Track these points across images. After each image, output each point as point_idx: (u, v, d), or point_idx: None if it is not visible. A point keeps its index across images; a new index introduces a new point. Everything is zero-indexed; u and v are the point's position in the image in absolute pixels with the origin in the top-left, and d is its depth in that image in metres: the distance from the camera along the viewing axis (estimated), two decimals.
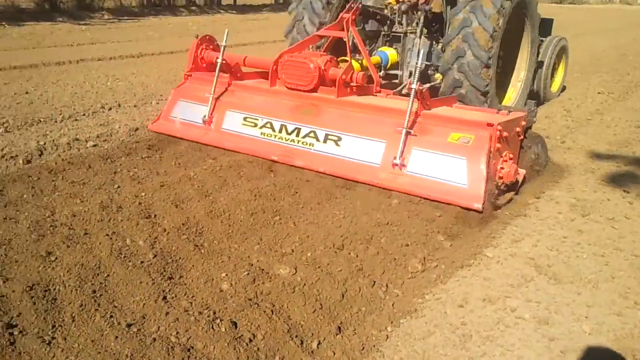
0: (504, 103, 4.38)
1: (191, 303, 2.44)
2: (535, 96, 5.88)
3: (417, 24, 5.18)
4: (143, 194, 3.52)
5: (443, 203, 3.37)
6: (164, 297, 2.46)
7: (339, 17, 4.48)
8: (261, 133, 4.20)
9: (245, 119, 4.31)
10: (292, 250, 2.90)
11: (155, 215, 3.24)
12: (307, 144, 3.98)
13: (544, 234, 3.12)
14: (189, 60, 4.78)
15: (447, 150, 3.46)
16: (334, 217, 3.30)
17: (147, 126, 4.85)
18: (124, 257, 2.77)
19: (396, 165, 3.55)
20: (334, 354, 2.19)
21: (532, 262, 2.83)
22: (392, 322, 2.38)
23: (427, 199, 3.41)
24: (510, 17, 4.72)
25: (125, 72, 7.51)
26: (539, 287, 2.60)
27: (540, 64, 5.89)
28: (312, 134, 3.98)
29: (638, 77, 8.42)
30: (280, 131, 4.11)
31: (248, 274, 2.66)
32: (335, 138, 3.88)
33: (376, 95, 4.29)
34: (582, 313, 2.41)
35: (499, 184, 3.45)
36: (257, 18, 17.79)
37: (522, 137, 3.79)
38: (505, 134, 3.44)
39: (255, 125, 4.24)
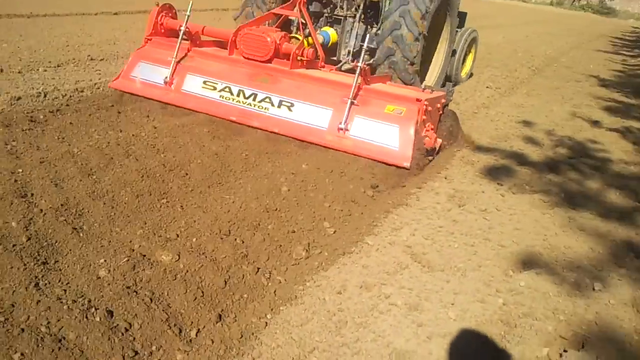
0: (425, 84, 4.95)
1: (65, 290, 2.36)
2: (448, 80, 6.66)
3: (356, 9, 5.76)
4: (20, 170, 3.32)
5: (379, 162, 4.03)
6: (36, 284, 2.36)
7: None
8: (220, 96, 4.64)
9: (205, 82, 4.74)
10: (177, 236, 2.88)
11: (31, 195, 3.07)
12: (262, 107, 4.49)
13: (422, 223, 3.30)
14: (149, 25, 5.10)
15: (384, 119, 4.17)
16: (223, 201, 3.30)
17: (108, 84, 5.07)
18: None
19: (341, 129, 4.18)
20: (212, 342, 2.22)
21: (408, 250, 2.99)
22: (272, 310, 2.44)
23: (366, 157, 4.07)
24: (438, 8, 5.45)
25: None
26: (413, 274, 2.77)
27: (453, 52, 6.64)
28: (267, 100, 4.51)
29: (524, 74, 9.03)
30: (238, 95, 4.60)
31: (128, 260, 2.61)
32: (289, 104, 4.44)
33: (321, 70, 4.88)
34: (449, 300, 2.60)
35: (423, 148, 4.11)
36: None
37: (441, 112, 4.56)
38: (429, 108, 4.21)
39: (215, 89, 4.69)
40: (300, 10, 5.01)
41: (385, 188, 3.80)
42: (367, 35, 4.57)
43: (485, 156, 4.63)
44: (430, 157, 4.33)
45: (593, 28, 25.23)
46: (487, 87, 7.47)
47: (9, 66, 5.56)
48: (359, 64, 4.20)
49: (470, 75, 7.92)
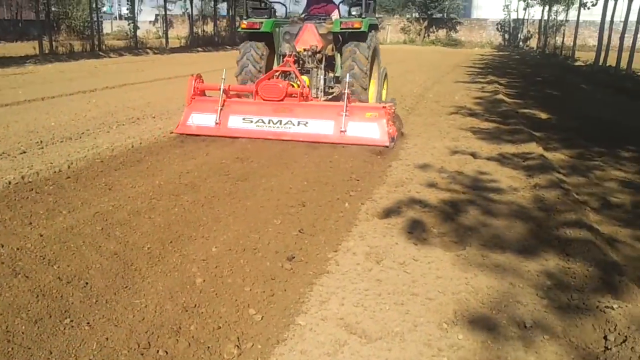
0: (373, 100, 8.42)
1: None
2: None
3: (319, 62, 8.20)
4: None
5: (369, 146, 6.66)
6: None
7: (284, 60, 7.83)
8: (257, 126, 7.13)
9: (244, 119, 7.20)
10: None
11: None
12: (288, 127, 7.05)
13: (347, 290, 3.24)
14: (189, 89, 7.50)
15: (367, 120, 6.82)
16: (135, 308, 3.01)
17: (171, 131, 7.44)
18: None
19: (342, 131, 6.79)
20: None
21: (342, 322, 2.90)
22: None
23: (361, 144, 6.67)
24: (373, 53, 8.16)
25: None
26: (353, 350, 2.67)
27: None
28: (290, 122, 7.05)
29: (401, 114, 9.46)
30: (268, 123, 7.11)
31: None
32: (305, 122, 7.01)
33: (314, 100, 7.63)
34: None
35: (390, 136, 6.79)
36: (21, 72, 16.00)
37: (394, 114, 7.29)
38: (390, 112, 6.94)
39: (252, 121, 7.16)
40: (291, 67, 7.63)
41: (302, 257, 3.70)
42: (332, 76, 8.32)
43: (388, 206, 4.71)
44: (392, 143, 6.90)
45: (446, 60, 27.43)
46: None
47: None
48: (346, 91, 6.89)
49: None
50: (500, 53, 39.45)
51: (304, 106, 7.22)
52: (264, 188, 5.16)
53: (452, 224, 4.30)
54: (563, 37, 34.69)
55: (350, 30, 7.86)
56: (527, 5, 44.84)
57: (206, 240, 3.92)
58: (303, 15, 9.01)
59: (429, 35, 49.52)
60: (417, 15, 49.92)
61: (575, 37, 29.44)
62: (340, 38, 8.23)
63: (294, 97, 7.25)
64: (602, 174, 6.11)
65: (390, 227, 4.23)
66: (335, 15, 8.72)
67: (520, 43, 47.43)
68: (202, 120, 7.28)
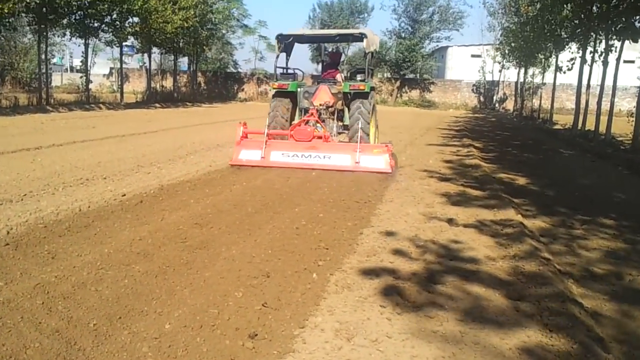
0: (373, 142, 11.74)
1: None
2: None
3: (332, 113, 11.92)
4: None
5: (377, 173, 9.75)
6: None
7: (310, 112, 11.38)
8: (292, 159, 10.31)
9: (282, 154, 10.41)
10: None
11: None
12: (316, 159, 10.20)
13: None
14: (237, 132, 10.70)
15: (375, 155, 10.07)
16: None
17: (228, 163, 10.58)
18: None
19: (357, 162, 9.98)
20: None
21: None
22: None
23: (370, 172, 9.75)
24: (372, 107, 11.66)
25: None
26: None
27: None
28: (317, 156, 10.23)
29: (385, 186, 9.66)
30: (301, 157, 10.30)
31: None
32: (329, 156, 10.21)
33: (332, 141, 11.05)
34: None
35: (393, 166, 10.01)
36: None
37: (392, 151, 10.32)
38: (391, 149, 10.19)
39: (289, 156, 10.36)
40: (315, 117, 11.24)
41: (266, 334, 3.66)
42: (342, 124, 12.16)
43: (360, 277, 4.73)
44: (392, 171, 10.04)
45: (420, 122, 28.26)
46: (342, 200, 7.83)
47: None
48: (359, 134, 10.57)
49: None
50: (476, 115, 40.87)
51: (328, 145, 10.65)
52: (224, 257, 5.13)
53: (427, 296, 4.33)
54: (540, 100, 36.21)
55: (356, 91, 11.48)
56: (503, 67, 46.93)
57: (159, 316, 3.85)
58: (318, 79, 13.38)
59: (401, 96, 51.06)
60: (389, 75, 51.58)
61: (553, 100, 30.78)
62: (349, 96, 11.72)
63: (319, 138, 10.71)
64: (584, 243, 6.27)
65: (362, 301, 4.23)
66: (339, 77, 12.81)
67: (496, 105, 49.29)
68: (250, 155, 10.53)
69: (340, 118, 12.24)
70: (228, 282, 4.52)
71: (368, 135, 11.18)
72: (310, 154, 10.24)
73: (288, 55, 13.10)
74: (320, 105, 11.59)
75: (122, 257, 5.01)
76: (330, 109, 11.77)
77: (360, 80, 11.82)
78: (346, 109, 12.06)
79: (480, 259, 5.34)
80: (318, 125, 11.11)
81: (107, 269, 4.69)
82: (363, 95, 11.37)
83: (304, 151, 10.31)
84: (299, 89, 12.08)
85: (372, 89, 11.98)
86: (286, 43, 12.49)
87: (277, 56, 12.63)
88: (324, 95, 11.77)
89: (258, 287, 4.45)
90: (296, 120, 11.89)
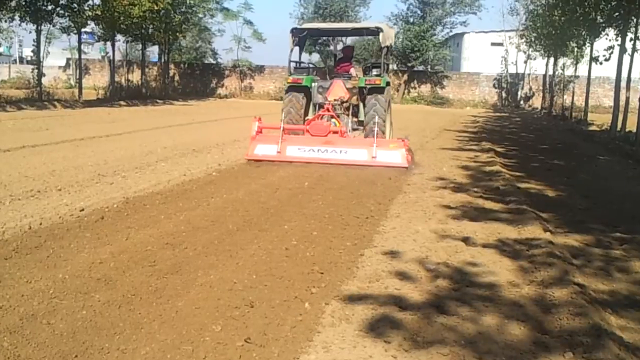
0: (389, 136, 13.63)
1: None
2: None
3: (347, 109, 13.70)
4: None
5: (393, 167, 11.56)
6: None
7: (325, 107, 13.15)
8: (309, 154, 11.99)
9: (298, 148, 12.08)
10: None
11: None
12: (333, 154, 11.92)
13: None
14: (252, 127, 12.41)
15: (391, 149, 11.85)
16: None
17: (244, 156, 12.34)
18: None
19: (373, 157, 11.64)
20: None
21: None
22: None
23: (387, 167, 11.52)
24: (388, 104, 13.52)
25: None
26: None
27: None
28: (334, 150, 11.96)
29: (391, 198, 9.68)
30: (317, 151, 11.99)
31: None
32: (346, 150, 11.98)
33: (348, 136, 12.82)
34: None
35: (410, 161, 11.84)
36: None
37: (409, 146, 12.20)
38: (408, 143, 12.05)
39: (305, 150, 12.05)
40: (332, 112, 13.00)
41: None
42: (356, 119, 13.92)
43: (360, 306, 4.74)
44: (409, 166, 11.81)
45: (432, 122, 28.39)
46: (340, 215, 7.85)
47: None
48: (375, 129, 11.94)
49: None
50: (497, 114, 41.12)
51: (344, 140, 12.39)
52: (200, 283, 5.14)
53: (439, 330, 4.33)
54: (573, 96, 36.25)
55: (372, 86, 13.17)
56: (529, 58, 47.14)
57: (122, 354, 3.85)
58: (332, 74, 15.12)
59: (409, 92, 51.34)
60: (394, 67, 51.66)
61: (587, 97, 30.92)
62: (364, 91, 13.39)
63: (335, 133, 12.36)
64: (624, 266, 6.30)
65: (363, 335, 4.24)
66: (353, 72, 14.78)
67: (521, 102, 49.58)
68: (266, 150, 12.22)
69: (355, 114, 14.04)
70: (204, 313, 4.53)
71: (384, 132, 12.87)
72: (326, 148, 11.94)
73: (301, 49, 15.36)
74: (335, 100, 13.35)
75: (80, 284, 5.01)
76: (345, 104, 13.62)
77: (376, 75, 13.43)
78: (361, 104, 13.78)
79: (502, 285, 5.36)
80: (333, 120, 12.83)
81: (62, 298, 4.68)
82: (379, 90, 13.09)
83: (321, 146, 12.00)
84: (313, 84, 13.83)
85: (388, 84, 13.73)
86: (300, 37, 14.32)
87: (292, 50, 14.21)
88: (338, 90, 13.52)
89: (240, 319, 4.46)
90: (310, 116, 13.76)
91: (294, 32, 14.09)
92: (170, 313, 4.51)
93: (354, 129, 13.67)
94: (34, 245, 6.04)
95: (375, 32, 14.19)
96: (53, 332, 4.09)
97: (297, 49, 14.69)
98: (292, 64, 14.42)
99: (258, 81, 54.33)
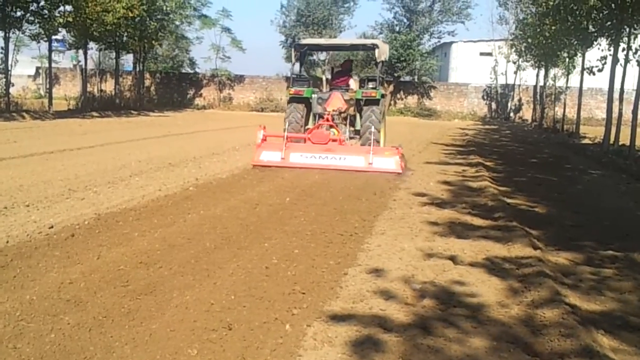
0: (384, 144, 15.65)
1: None
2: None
3: (344, 119, 15.72)
4: None
5: (388, 173, 13.28)
6: None
7: (325, 117, 15.03)
8: (311, 160, 13.77)
9: (301, 155, 13.91)
10: None
11: None
12: (333, 160, 13.72)
13: None
14: (258, 135, 14.20)
15: (386, 157, 13.76)
16: None
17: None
18: None
19: (370, 164, 13.50)
20: None
21: None
22: None
23: (382, 172, 13.24)
24: (382, 113, 15.50)
25: None
26: None
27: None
28: (333, 157, 13.76)
29: (375, 214, 9.70)
30: (318, 158, 13.76)
31: None
32: (344, 157, 13.81)
33: (346, 144, 14.75)
34: None
35: (403, 167, 13.77)
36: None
37: (402, 153, 14.02)
38: (401, 150, 13.92)
39: (307, 157, 13.84)
40: (331, 122, 14.86)
41: None
42: (353, 129, 15.82)
43: (344, 328, 4.74)
44: (402, 171, 13.61)
45: (418, 134, 28.56)
46: (323, 232, 7.86)
47: None
48: (372, 138, 13.79)
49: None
50: (486, 126, 41.40)
51: (343, 147, 14.20)
52: (175, 304, 5.12)
53: (425, 352, 4.35)
54: (564, 108, 36.58)
55: (367, 98, 15.01)
56: (518, 68, 47.56)
57: None
58: (330, 86, 17.36)
59: (395, 103, 51.58)
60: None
61: (579, 109, 31.25)
62: (361, 103, 15.26)
63: (334, 141, 14.21)
64: (617, 286, 6.34)
65: (346, 359, 4.24)
66: (351, 84, 16.39)
67: (511, 114, 50.00)
68: (271, 156, 13.95)
69: (352, 123, 16.00)
70: (180, 336, 4.51)
71: (378, 141, 14.86)
72: (326, 155, 13.71)
73: (301, 64, 17.25)
74: (334, 110, 15.27)
75: (48, 306, 4.97)
76: (342, 114, 15.63)
77: (372, 88, 15.38)
78: (357, 115, 15.75)
79: (491, 305, 5.39)
80: (332, 129, 14.74)
81: (29, 321, 4.65)
82: (374, 102, 15.06)
83: (321, 153, 13.77)
84: (313, 95, 15.74)
85: (383, 96, 15.87)
86: (301, 52, 16.88)
87: (293, 64, 16.78)
88: (337, 102, 15.48)
89: (217, 342, 4.45)
90: (310, 125, 15.66)
91: (296, 47, 16.94)
92: (144, 336, 4.49)
93: (350, 138, 15.53)
94: (0, 265, 6.00)
95: (371, 48, 16.28)
96: (20, 357, 4.06)
97: (297, 63, 16.82)
98: (293, 76, 16.41)
99: (238, 92, 54.50)
